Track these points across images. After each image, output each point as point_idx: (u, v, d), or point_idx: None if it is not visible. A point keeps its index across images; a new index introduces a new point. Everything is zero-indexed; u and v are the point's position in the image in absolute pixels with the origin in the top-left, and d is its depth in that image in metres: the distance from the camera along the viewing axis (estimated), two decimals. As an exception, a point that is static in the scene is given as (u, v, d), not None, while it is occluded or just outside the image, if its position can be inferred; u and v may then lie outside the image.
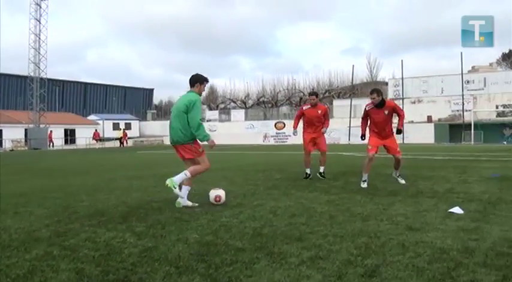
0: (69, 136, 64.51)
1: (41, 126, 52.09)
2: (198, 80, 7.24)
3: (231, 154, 26.17)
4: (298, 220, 5.79)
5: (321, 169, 10.83)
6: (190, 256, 4.20)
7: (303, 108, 11.18)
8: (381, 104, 9.09)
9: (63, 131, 64.45)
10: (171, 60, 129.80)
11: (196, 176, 7.37)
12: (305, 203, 7.10)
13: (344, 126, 47.19)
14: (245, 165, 15.87)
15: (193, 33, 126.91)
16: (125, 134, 62.42)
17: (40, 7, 50.80)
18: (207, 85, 7.52)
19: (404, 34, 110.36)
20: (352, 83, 53.99)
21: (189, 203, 7.04)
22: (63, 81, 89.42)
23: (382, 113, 9.10)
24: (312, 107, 10.86)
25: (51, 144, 54.47)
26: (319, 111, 10.82)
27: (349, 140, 46.08)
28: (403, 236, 4.82)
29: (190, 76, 7.23)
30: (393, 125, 9.53)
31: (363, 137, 9.60)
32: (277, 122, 56.84)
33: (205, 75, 7.38)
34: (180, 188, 7.07)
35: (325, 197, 7.77)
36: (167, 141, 44.09)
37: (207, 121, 64.75)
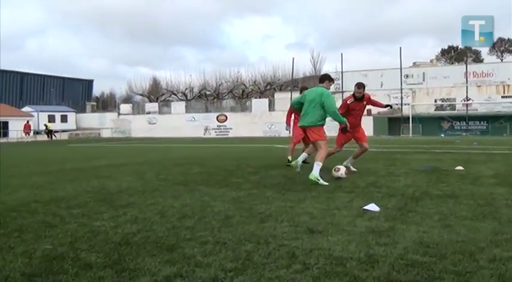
0: (2, 129, 61.08)
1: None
2: (326, 78, 8.67)
3: (162, 147, 24.99)
4: (185, 223, 4.82)
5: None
6: (21, 278, 3.16)
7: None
8: (362, 97, 9.60)
9: (-8, 123, 61.08)
10: (115, 51, 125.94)
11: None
12: (206, 201, 6.14)
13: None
14: (169, 159, 14.78)
15: (138, 24, 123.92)
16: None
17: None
18: (331, 85, 8.82)
19: (349, 30, 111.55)
20: (292, 76, 53.48)
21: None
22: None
23: (362, 105, 9.71)
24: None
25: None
26: None
27: (289, 133, 45.51)
28: (297, 242, 3.93)
29: (320, 75, 9.00)
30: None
31: (345, 129, 9.00)
32: (219, 115, 55.71)
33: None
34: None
35: (233, 193, 6.83)
36: (105, 133, 42.67)
37: (147, 113, 63.03)
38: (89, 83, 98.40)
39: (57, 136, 54.04)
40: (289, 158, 11.40)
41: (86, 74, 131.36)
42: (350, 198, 6.17)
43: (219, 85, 65.05)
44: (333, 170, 8.46)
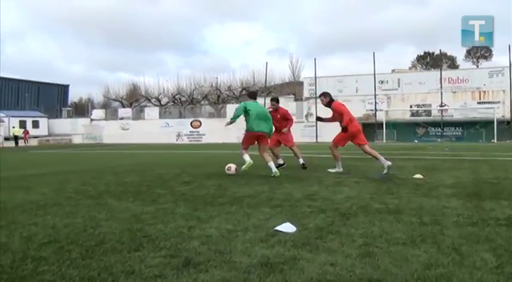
0: (-28, 135, 59.09)
1: None
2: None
3: (121, 153, 23.79)
4: (43, 251, 3.77)
5: (300, 161, 11.83)
6: None
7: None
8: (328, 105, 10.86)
9: (-39, 129, 59.15)
10: (95, 55, 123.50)
11: None
12: (97, 220, 5.08)
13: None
14: (112, 166, 13.63)
15: (118, 29, 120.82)
16: (26, 132, 58.31)
17: None
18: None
19: (329, 36, 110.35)
20: (265, 81, 52.60)
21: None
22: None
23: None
24: (273, 111, 11.77)
25: None
26: (279, 116, 11.82)
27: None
28: (157, 281, 2.87)
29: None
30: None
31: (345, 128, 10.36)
32: (194, 121, 54.53)
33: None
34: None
35: (140, 208, 5.77)
36: (76, 139, 41.18)
37: (120, 119, 61.61)
38: (64, 88, 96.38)
39: (27, 142, 52.40)
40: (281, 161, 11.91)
41: (65, 79, 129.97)
42: (271, 214, 5.13)
43: (193, 90, 63.84)
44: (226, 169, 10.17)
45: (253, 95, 10.99)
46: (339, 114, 10.44)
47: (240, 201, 6.13)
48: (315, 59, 45.92)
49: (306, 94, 51.06)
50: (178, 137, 51.86)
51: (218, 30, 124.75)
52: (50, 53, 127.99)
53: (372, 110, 44.02)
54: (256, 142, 10.27)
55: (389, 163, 9.77)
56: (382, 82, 45.71)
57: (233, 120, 10.29)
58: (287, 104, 53.35)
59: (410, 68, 66.03)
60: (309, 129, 45.13)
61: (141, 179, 9.39)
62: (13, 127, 54.95)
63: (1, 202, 6.48)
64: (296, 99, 56.47)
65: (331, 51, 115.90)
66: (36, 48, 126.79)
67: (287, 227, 4.28)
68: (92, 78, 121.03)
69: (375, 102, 43.15)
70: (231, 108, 54.70)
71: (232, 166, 10.13)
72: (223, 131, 48.23)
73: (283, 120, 11.84)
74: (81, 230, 4.53)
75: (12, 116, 66.34)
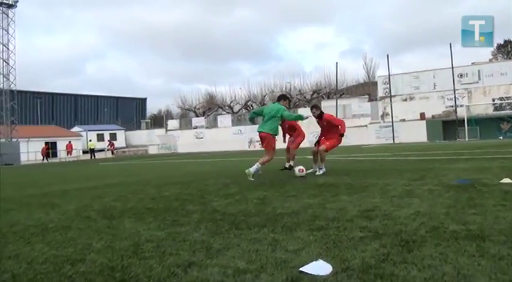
0: (51, 149, 61.23)
1: (13, 140, 48.99)
2: (282, 98, 10.90)
3: (187, 163, 23.11)
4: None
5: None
6: None
7: None
8: (319, 116, 11.00)
9: (43, 144, 61.42)
10: (172, 69, 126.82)
11: None
12: (89, 249, 4.01)
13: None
14: (161, 177, 12.77)
15: (193, 41, 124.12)
16: (111, 144, 59.72)
17: (7, 15, 47.83)
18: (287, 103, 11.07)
19: (404, 34, 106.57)
20: (336, 82, 50.81)
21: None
22: (52, 94, 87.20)
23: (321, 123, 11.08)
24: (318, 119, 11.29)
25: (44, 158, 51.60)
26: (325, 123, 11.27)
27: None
28: None
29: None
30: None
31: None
32: (265, 126, 53.51)
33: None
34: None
35: (155, 233, 4.66)
36: (152, 150, 41.67)
37: (194, 128, 61.89)
38: (142, 101, 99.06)
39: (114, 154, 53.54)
40: (291, 163, 12.04)
41: (144, 94, 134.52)
42: (306, 242, 3.85)
43: (264, 96, 63.04)
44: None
45: (279, 97, 11.01)
46: (333, 125, 10.98)
47: (276, 221, 4.90)
48: (387, 55, 43.78)
49: (380, 93, 48.86)
50: (250, 144, 51.11)
51: (291, 36, 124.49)
52: (129, 69, 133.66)
53: (452, 106, 41.28)
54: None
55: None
56: (461, 76, 42.88)
57: (249, 119, 11.48)
58: (361, 105, 51.53)
59: (491, 60, 61.89)
60: (385, 130, 42.96)
61: (181, 192, 8.36)
62: (90, 140, 56.24)
63: (11, 224, 5.62)
64: (371, 100, 54.34)
65: (408, 48, 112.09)
66: (116, 66, 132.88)
67: (318, 268, 2.99)
68: (170, 90, 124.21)
69: (455, 98, 40.36)
70: (302, 112, 53.43)
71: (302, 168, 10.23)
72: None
73: (330, 127, 11.07)
74: (57, 268, 3.50)
75: (90, 130, 68.41)
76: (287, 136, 12.66)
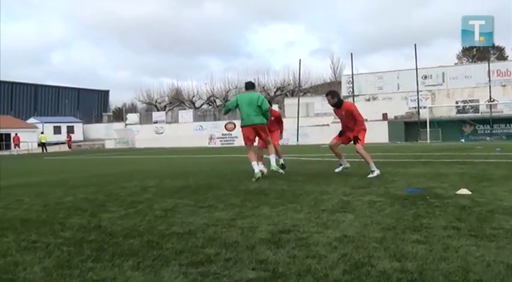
0: (5, 141, 58.30)
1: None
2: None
3: (137, 159, 21.71)
4: None
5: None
6: None
7: None
8: (337, 105, 9.48)
9: (-5, 135, 58.60)
10: (139, 62, 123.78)
11: None
12: None
13: (293, 126, 42.95)
14: (85, 177, 11.40)
15: (162, 35, 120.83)
16: (69, 137, 57.50)
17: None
18: None
19: (373, 35, 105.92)
20: (299, 79, 49.74)
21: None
22: (12, 83, 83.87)
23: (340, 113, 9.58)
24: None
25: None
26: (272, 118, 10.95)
27: (297, 140, 42.06)
28: None
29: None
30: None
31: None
32: (228, 123, 52.22)
33: None
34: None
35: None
36: (109, 145, 39.87)
37: (154, 123, 60.12)
38: (105, 94, 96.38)
39: (58, 148, 51.36)
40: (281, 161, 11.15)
41: (111, 86, 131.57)
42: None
43: (228, 92, 61.71)
44: None
45: (248, 85, 9.80)
46: (353, 118, 9.34)
47: (155, 247, 3.66)
48: (351, 54, 42.98)
49: (344, 93, 48.02)
50: (210, 140, 49.68)
51: (261, 33, 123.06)
52: (96, 61, 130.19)
53: (415, 108, 40.65)
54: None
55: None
56: (425, 77, 42.39)
57: (224, 113, 10.66)
58: (324, 103, 50.60)
59: (456, 64, 61.94)
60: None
61: (86, 197, 7.04)
62: (41, 133, 53.77)
63: None
64: (334, 99, 53.56)
65: (376, 49, 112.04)
66: (82, 56, 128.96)
67: None
68: (137, 84, 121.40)
69: (418, 99, 39.75)
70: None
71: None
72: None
73: (276, 123, 11.25)
74: None
75: (47, 122, 65.85)
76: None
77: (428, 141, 35.26)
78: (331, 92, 9.77)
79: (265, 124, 9.47)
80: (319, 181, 8.14)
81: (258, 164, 9.39)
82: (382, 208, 5.13)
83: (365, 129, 9.38)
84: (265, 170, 9.52)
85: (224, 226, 4.39)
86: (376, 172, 8.77)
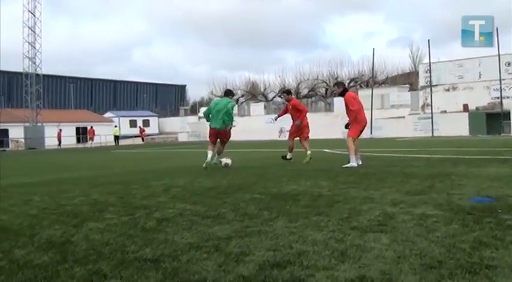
0: (82, 134, 60.01)
1: (38, 124, 48.02)
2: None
3: (185, 153, 21.05)
4: None
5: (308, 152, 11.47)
6: None
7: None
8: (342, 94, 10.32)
9: (74, 129, 60.47)
10: (218, 57, 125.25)
11: None
12: None
13: (368, 118, 40.80)
14: (117, 174, 10.70)
15: (240, 29, 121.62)
16: (142, 130, 58.32)
17: (33, -2, 46.51)
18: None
19: (455, 22, 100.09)
20: (372, 70, 47.49)
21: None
22: (91, 80, 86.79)
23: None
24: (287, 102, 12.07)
25: (59, 143, 50.26)
26: (290, 107, 11.88)
27: (371, 133, 40.09)
28: None
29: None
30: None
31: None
32: (298, 116, 50.89)
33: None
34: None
35: None
36: (182, 138, 40.03)
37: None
38: (181, 88, 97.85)
39: (131, 141, 52.09)
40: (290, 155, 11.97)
41: (190, 81, 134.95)
42: None
43: (299, 84, 60.31)
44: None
45: (226, 93, 11.56)
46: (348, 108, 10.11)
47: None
48: (428, 41, 40.22)
49: (421, 83, 45.40)
50: (280, 133, 48.59)
51: (339, 24, 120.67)
52: (175, 56, 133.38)
53: (498, 98, 37.59)
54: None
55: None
56: (509, 64, 39.06)
57: (206, 120, 11.19)
58: (400, 94, 48.17)
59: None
60: (424, 122, 39.65)
61: (96, 200, 6.17)
62: (115, 127, 54.72)
63: None
64: (413, 89, 50.87)
65: (458, 37, 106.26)
66: (162, 53, 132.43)
67: None
68: (215, 78, 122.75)
69: (500, 88, 36.65)
70: (337, 102, 50.33)
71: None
72: (329, 125, 44.45)
73: (295, 111, 11.77)
74: None
75: (123, 116, 67.20)
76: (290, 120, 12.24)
77: (512, 134, 32.49)
78: (337, 82, 11.46)
79: (225, 129, 10.65)
80: (370, 183, 6.84)
81: (212, 154, 10.71)
82: (434, 227, 3.82)
83: (360, 122, 10.03)
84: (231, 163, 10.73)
85: (209, 250, 3.30)
86: (352, 164, 9.63)
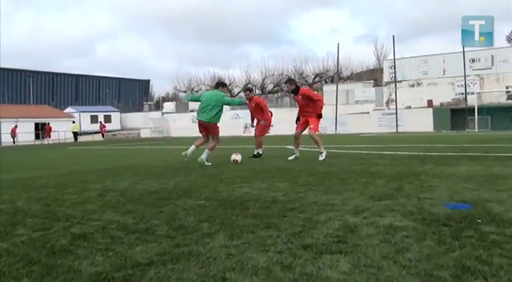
0: (41, 130, 57.85)
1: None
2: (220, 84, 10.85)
3: (148, 149, 20.09)
4: None
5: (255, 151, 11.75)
6: None
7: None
8: (294, 91, 10.55)
9: (33, 125, 58.26)
10: (184, 52, 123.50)
11: None
12: None
13: (332, 114, 40.47)
14: (65, 174, 9.73)
15: (206, 24, 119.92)
16: (102, 126, 56.75)
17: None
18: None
19: (421, 19, 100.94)
20: (337, 65, 47.22)
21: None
22: (53, 74, 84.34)
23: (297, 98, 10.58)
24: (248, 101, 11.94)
25: (14, 140, 48.07)
26: (253, 105, 11.91)
27: (335, 129, 39.80)
28: None
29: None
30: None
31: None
32: (265, 111, 50.21)
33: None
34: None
35: None
36: (144, 134, 38.71)
37: (190, 111, 58.72)
38: (145, 83, 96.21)
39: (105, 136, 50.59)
40: (260, 151, 11.85)
41: (156, 76, 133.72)
42: None
43: (264, 79, 59.69)
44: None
45: (217, 84, 11.02)
46: (311, 100, 10.44)
47: None
48: (393, 36, 39.97)
49: (386, 78, 45.39)
50: (245, 129, 47.88)
51: (304, 20, 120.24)
52: (141, 51, 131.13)
53: (462, 94, 37.65)
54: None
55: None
56: (473, 61, 39.22)
57: (187, 99, 11.19)
58: (365, 90, 48.01)
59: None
60: (388, 118, 39.51)
61: (19, 208, 5.29)
62: (73, 122, 53.06)
63: None
64: (377, 85, 50.89)
65: (423, 34, 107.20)
66: (127, 47, 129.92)
67: None
68: (179, 73, 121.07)
69: (465, 84, 36.68)
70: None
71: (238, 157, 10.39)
72: (293, 121, 43.86)
73: (258, 110, 11.85)
74: None
75: (83, 111, 65.43)
76: (255, 120, 12.26)
77: (476, 130, 32.50)
78: (289, 80, 11.46)
79: (210, 122, 10.07)
80: (332, 185, 6.14)
81: (194, 147, 10.40)
82: (405, 245, 3.12)
83: (319, 115, 10.33)
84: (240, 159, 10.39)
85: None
86: (324, 153, 10.14)
